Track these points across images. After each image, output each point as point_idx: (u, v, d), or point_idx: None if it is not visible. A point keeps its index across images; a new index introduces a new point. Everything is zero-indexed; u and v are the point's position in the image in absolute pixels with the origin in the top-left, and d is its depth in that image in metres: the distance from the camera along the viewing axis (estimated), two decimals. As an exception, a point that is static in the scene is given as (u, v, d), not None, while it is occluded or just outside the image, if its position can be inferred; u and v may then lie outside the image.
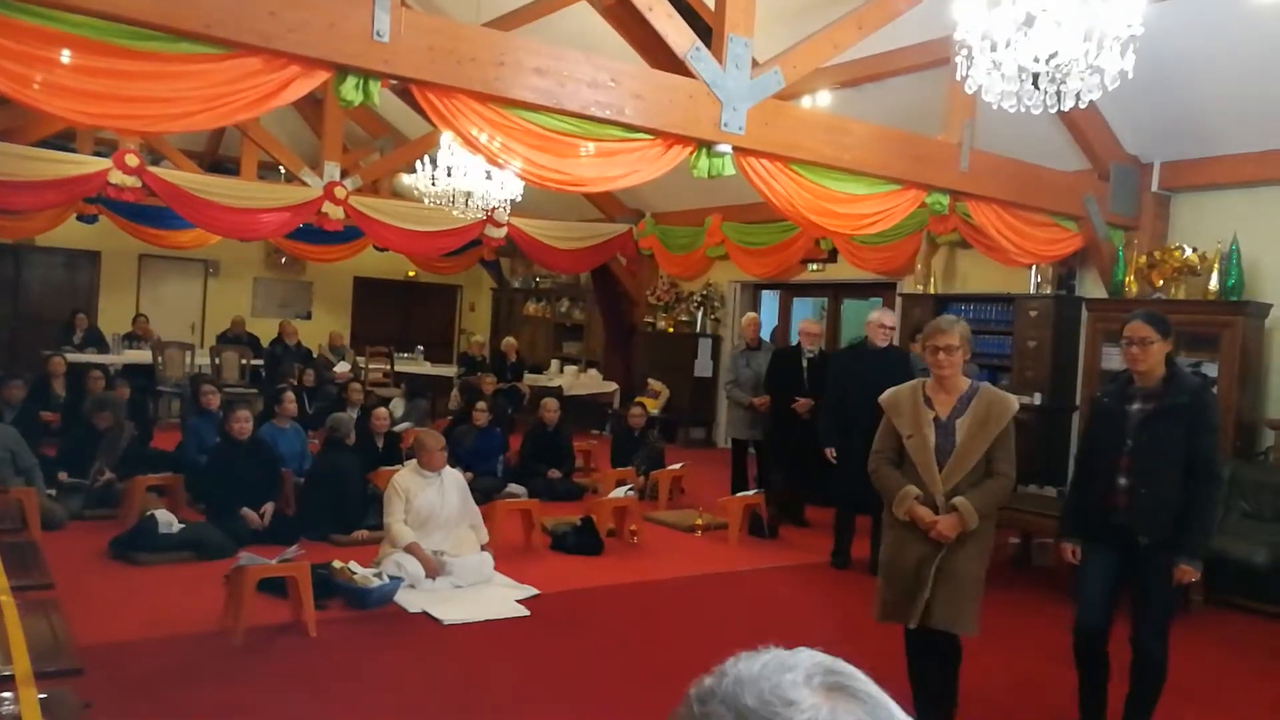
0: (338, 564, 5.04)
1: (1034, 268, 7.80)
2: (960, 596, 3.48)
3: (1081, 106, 3.93)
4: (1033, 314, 7.70)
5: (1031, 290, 7.94)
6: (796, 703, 0.73)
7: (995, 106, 4.11)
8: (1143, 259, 6.96)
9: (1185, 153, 7.01)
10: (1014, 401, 3.57)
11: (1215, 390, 6.44)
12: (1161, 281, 6.82)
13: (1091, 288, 7.70)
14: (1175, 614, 3.66)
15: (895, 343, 6.80)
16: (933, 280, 8.76)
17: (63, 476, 6.63)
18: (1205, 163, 6.95)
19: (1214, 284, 6.59)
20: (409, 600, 5.02)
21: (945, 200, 6.31)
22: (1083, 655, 3.67)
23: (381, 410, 7.94)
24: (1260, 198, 6.79)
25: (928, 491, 3.51)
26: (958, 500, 3.45)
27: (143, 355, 11.05)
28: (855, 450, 5.20)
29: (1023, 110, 4.13)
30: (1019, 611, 5.35)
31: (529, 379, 11.89)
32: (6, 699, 2.37)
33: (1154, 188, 7.22)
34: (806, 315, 12.07)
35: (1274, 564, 5.54)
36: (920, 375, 6.02)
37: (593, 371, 12.70)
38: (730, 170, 5.34)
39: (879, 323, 6.25)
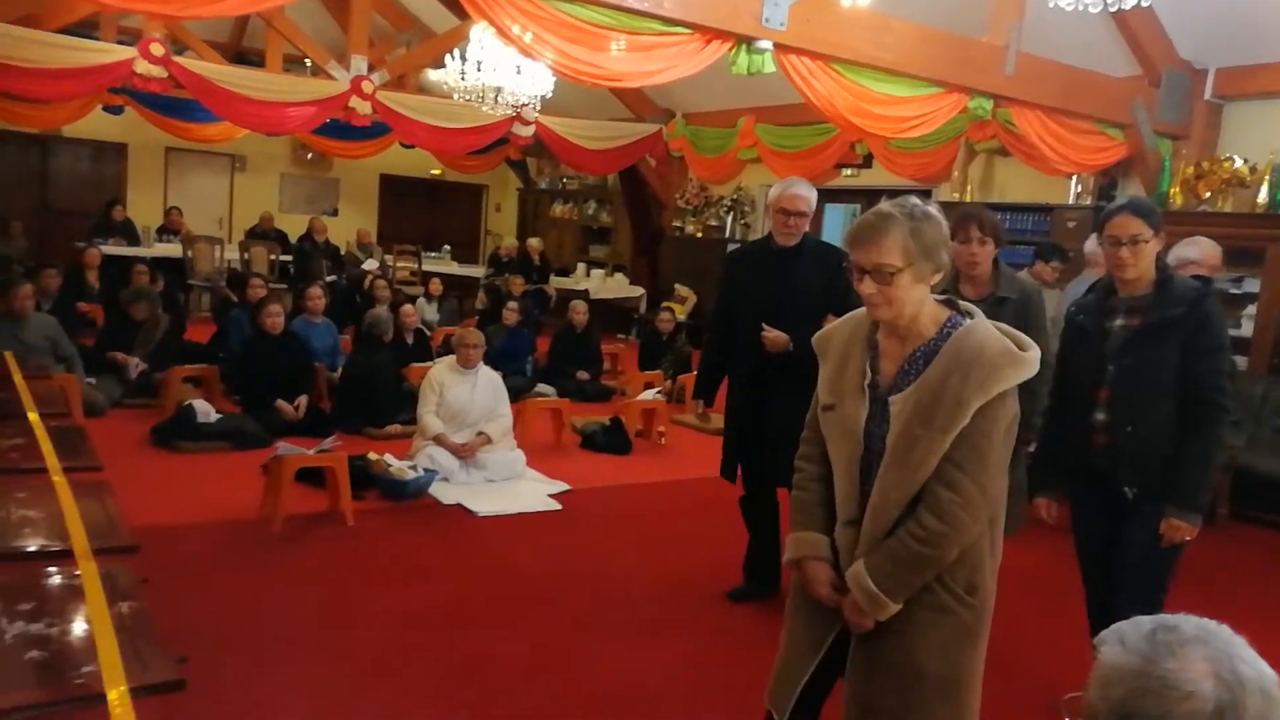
0: (373, 456, 5.14)
1: (1074, 177, 7.61)
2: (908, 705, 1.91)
3: (1144, 5, 3.78)
4: (1070, 225, 7.55)
5: (1070, 200, 7.77)
6: None
7: (1051, 4, 3.97)
8: (1190, 169, 6.78)
9: (1242, 59, 6.75)
10: (1012, 364, 1.81)
11: (1254, 307, 6.35)
12: (1208, 193, 6.65)
13: (1133, 199, 7.51)
14: (1168, 583, 2.91)
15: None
16: (969, 189, 8.59)
17: (121, 357, 6.71)
18: (1262, 69, 6.70)
19: (1263, 196, 6.42)
20: (443, 493, 5.13)
21: (988, 105, 6.14)
22: None
23: (409, 307, 7.99)
24: (1317, 108, 6.57)
25: (840, 517, 2.00)
26: (852, 570, 1.92)
27: (173, 249, 11.12)
28: (737, 406, 3.85)
29: (1080, 9, 3.98)
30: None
31: (555, 282, 11.88)
32: (68, 572, 2.46)
33: (1207, 95, 6.99)
34: (839, 222, 11.79)
35: (1301, 480, 5.56)
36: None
37: (619, 275, 12.66)
38: (770, 68, 5.20)
39: (777, 205, 3.67)
